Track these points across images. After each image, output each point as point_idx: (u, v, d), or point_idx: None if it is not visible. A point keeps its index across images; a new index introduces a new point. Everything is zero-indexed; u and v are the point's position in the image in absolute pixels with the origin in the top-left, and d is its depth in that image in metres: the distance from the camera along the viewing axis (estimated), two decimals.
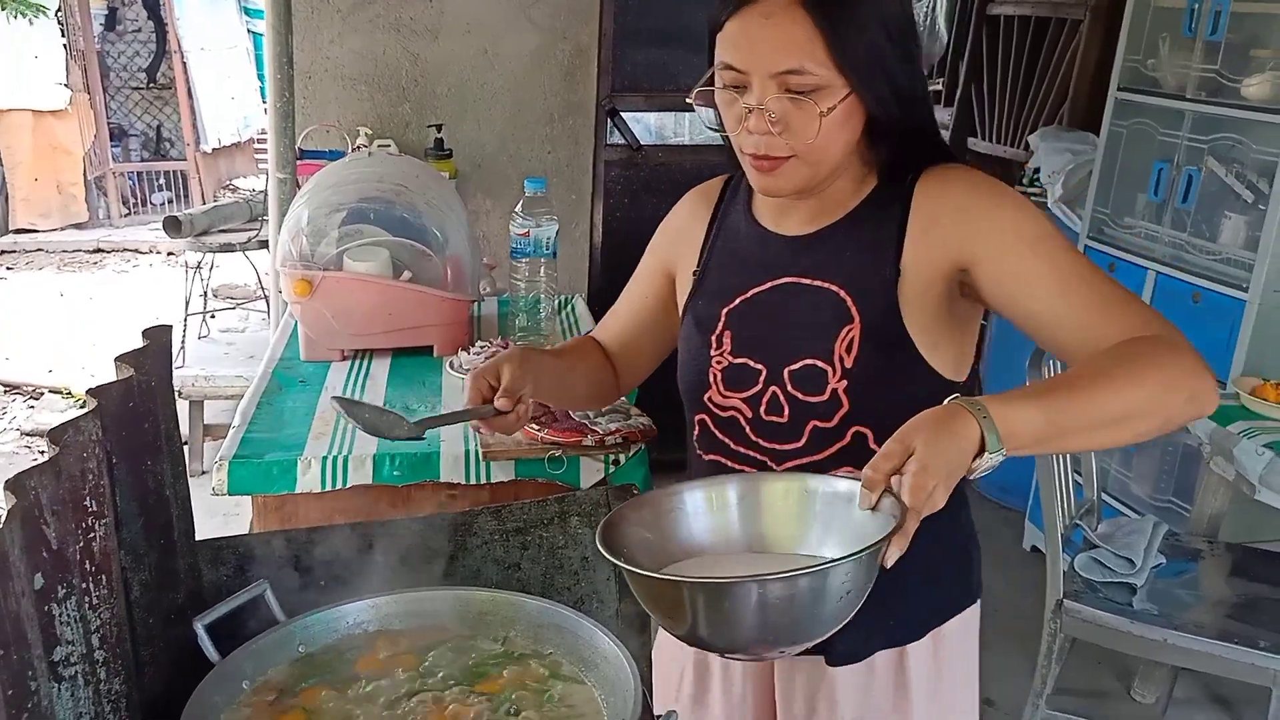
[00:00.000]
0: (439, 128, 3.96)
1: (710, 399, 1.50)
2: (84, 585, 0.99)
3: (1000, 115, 5.07)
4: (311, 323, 2.43)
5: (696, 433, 1.55)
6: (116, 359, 1.13)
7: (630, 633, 1.33)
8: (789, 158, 1.33)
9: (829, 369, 1.39)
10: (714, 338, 1.50)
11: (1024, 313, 1.31)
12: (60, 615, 0.94)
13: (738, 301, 1.49)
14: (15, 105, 9.19)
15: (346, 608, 1.31)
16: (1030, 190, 4.37)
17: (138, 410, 1.14)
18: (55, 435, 0.96)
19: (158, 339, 1.21)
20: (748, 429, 1.48)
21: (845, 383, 1.38)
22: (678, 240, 1.62)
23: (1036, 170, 4.35)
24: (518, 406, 1.39)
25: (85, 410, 1.02)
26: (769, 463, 1.46)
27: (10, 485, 0.87)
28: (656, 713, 1.17)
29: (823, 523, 1.20)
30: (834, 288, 1.41)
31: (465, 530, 1.43)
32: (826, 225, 1.44)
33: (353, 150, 3.26)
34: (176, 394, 4.84)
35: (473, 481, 1.95)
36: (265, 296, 5.34)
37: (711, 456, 1.53)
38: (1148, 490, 3.59)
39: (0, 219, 9.41)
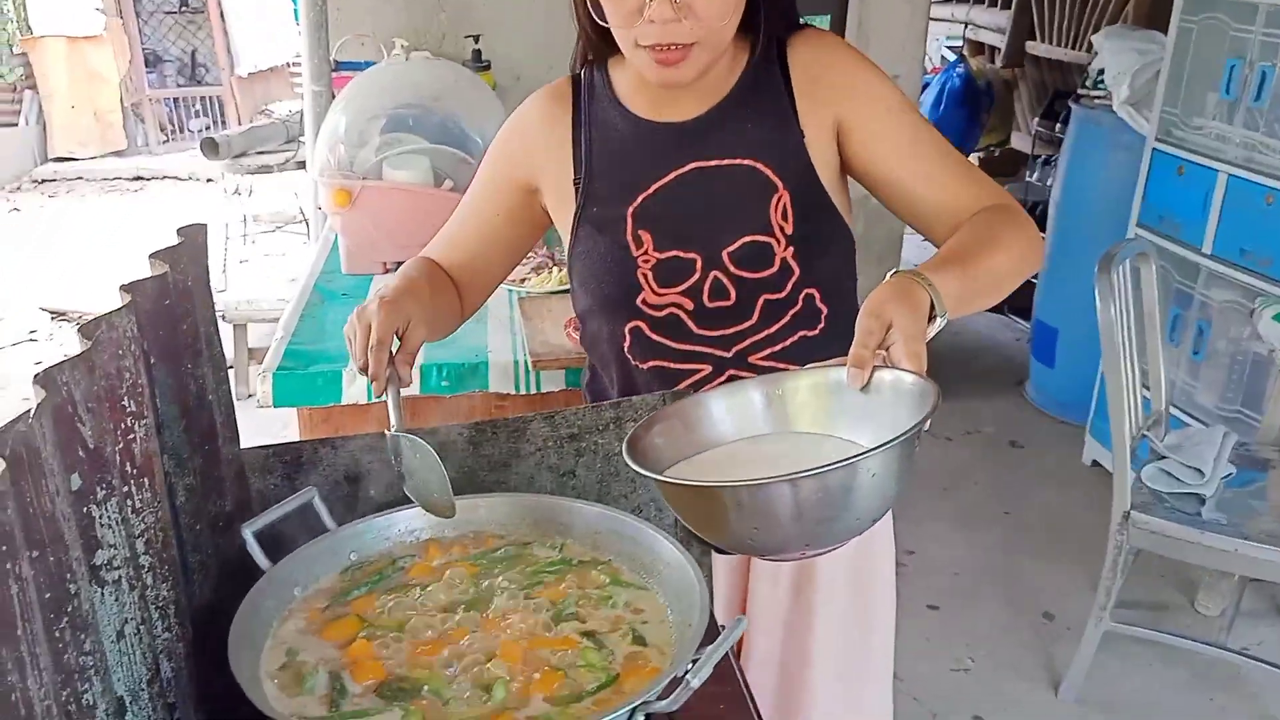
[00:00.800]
0: (476, 39, 3.84)
1: (644, 301, 1.46)
2: (125, 488, 0.95)
3: (1061, 15, 4.85)
4: (352, 234, 2.36)
5: (628, 343, 1.50)
6: (151, 255, 1.07)
7: (692, 539, 1.27)
8: (692, 45, 1.31)
9: (772, 240, 1.40)
10: (629, 239, 1.45)
11: (886, 179, 1.39)
12: (101, 518, 0.89)
13: (640, 200, 1.45)
14: (49, 31, 9.14)
15: (397, 515, 1.26)
16: (1095, 93, 4.18)
17: (174, 310, 1.08)
18: (87, 330, 0.90)
19: (193, 237, 1.15)
20: (690, 322, 1.46)
21: (792, 249, 1.40)
22: (533, 150, 1.53)
23: (1100, 72, 4.16)
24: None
25: (119, 306, 0.96)
26: (716, 352, 1.47)
27: (40, 379, 0.81)
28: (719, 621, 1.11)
29: (851, 415, 1.16)
30: (748, 162, 1.41)
31: (518, 436, 1.37)
32: (714, 105, 1.43)
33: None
34: (220, 317, 4.84)
35: (522, 391, 1.89)
36: (305, 220, 5.30)
37: (653, 363, 1.50)
38: (1215, 400, 3.47)
39: (39, 147, 9.42)
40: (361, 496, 1.35)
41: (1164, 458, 2.73)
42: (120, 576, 0.91)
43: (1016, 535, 3.70)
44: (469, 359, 1.88)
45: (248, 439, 1.28)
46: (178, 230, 1.14)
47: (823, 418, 1.15)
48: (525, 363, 1.89)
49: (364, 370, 1.26)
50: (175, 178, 9.27)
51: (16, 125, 9.29)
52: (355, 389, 1.87)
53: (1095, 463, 4.04)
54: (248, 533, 1.15)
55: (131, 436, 0.95)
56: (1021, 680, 3.00)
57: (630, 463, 1.08)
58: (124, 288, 0.99)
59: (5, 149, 9.09)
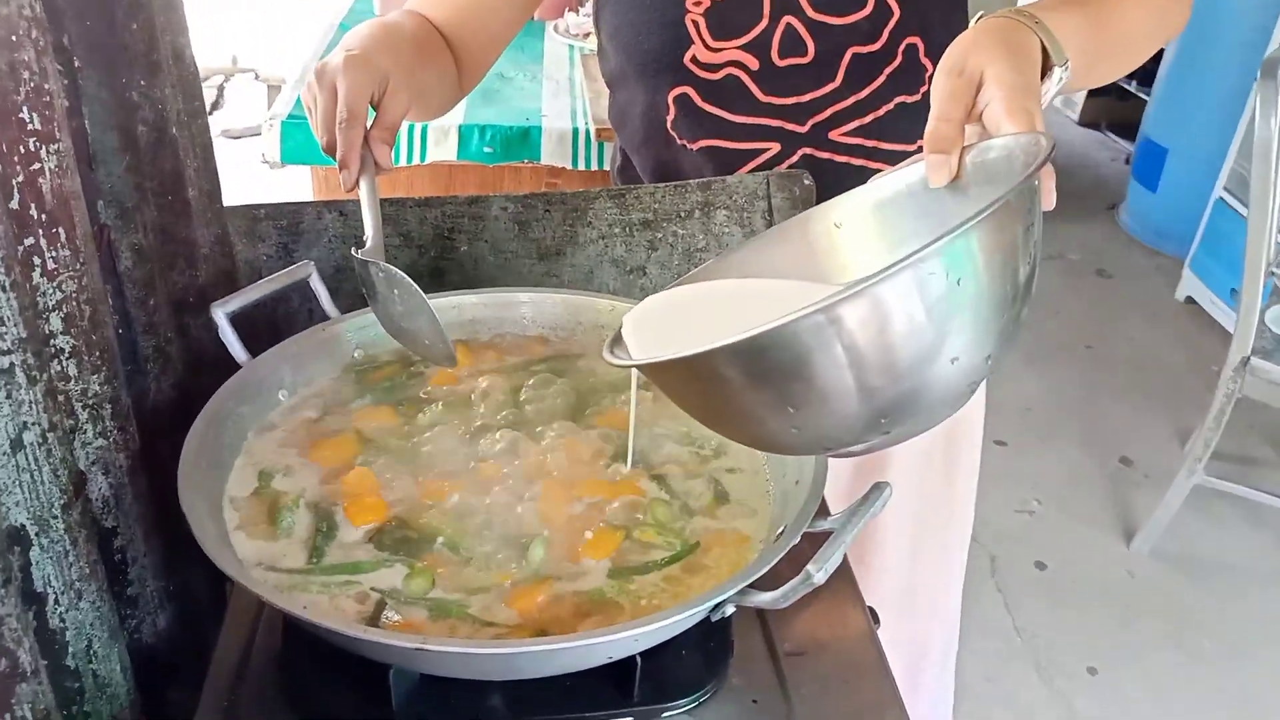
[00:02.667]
0: None
1: (694, 59, 1.12)
2: (28, 240, 0.67)
3: None
4: None
5: (672, 116, 1.16)
6: None
7: None
8: None
9: None
10: None
11: None
12: None
13: None
14: None
15: None
16: None
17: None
18: None
19: None
20: (754, 87, 1.13)
21: None
22: None
23: None
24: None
25: None
26: (788, 126, 1.13)
27: None
28: None
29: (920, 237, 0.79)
30: None
31: (577, 217, 1.07)
32: None
33: None
34: (252, 75, 4.47)
35: (580, 166, 1.58)
36: None
37: (704, 142, 1.16)
38: None
39: None
40: None
41: None
42: (12, 364, 0.64)
43: (1097, 372, 3.41)
44: (519, 122, 1.55)
45: None
46: None
47: (901, 251, 0.79)
48: (587, 131, 1.57)
49: (329, 151, 0.91)
50: None
51: None
52: None
53: (1190, 300, 3.70)
54: (220, 314, 0.88)
55: (36, 167, 0.66)
56: (1091, 528, 2.78)
57: (609, 357, 0.73)
58: None
59: None
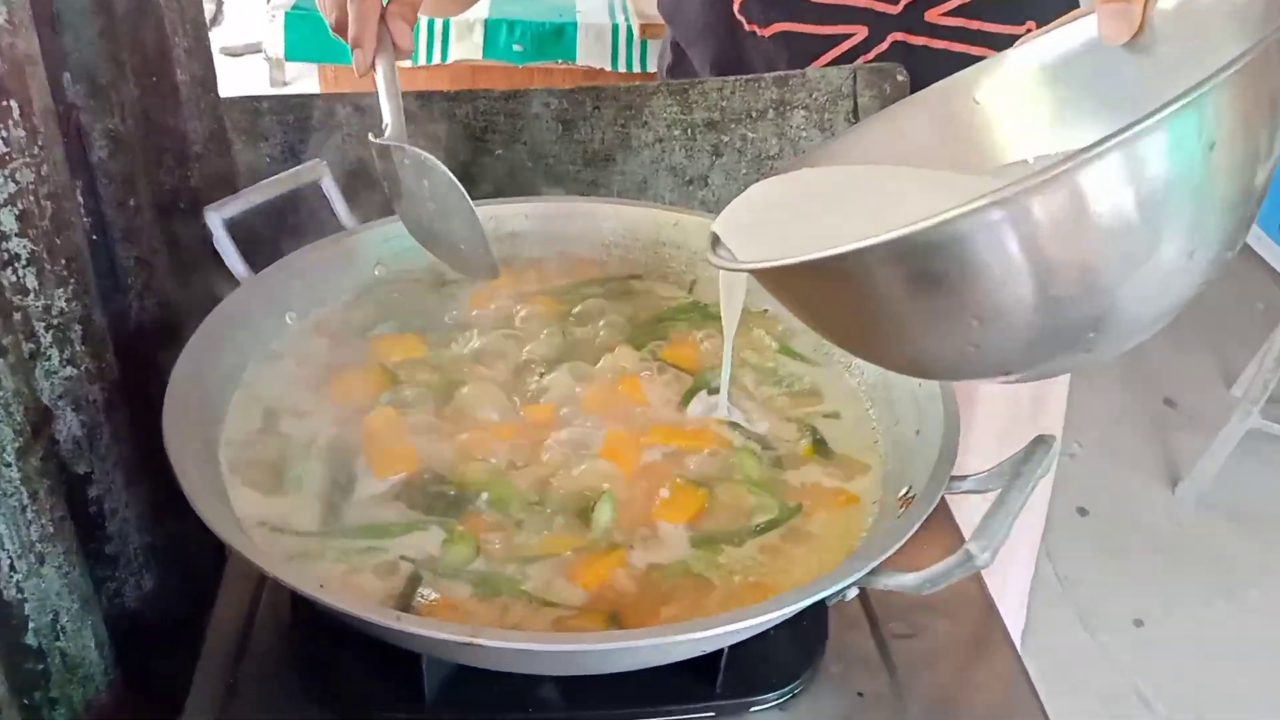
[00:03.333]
0: None
1: None
2: None
3: None
4: None
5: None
6: None
7: None
8: None
9: None
10: None
11: None
12: None
13: None
14: None
15: None
16: None
17: None
18: None
19: None
20: None
21: None
22: None
23: None
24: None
25: None
26: (876, 6, 0.94)
27: None
28: None
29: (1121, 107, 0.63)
30: None
31: (631, 116, 0.92)
32: None
33: None
34: None
35: (620, 68, 1.42)
36: None
37: (779, 27, 0.98)
38: None
39: None
40: None
41: None
42: None
43: None
44: (552, 17, 1.38)
45: None
46: None
47: (1063, 131, 0.62)
48: (629, 27, 1.40)
49: (339, 30, 0.74)
50: None
51: None
52: None
53: None
54: (215, 218, 0.73)
55: None
56: (1134, 473, 2.65)
57: (714, 259, 0.57)
58: None
59: None
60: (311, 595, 0.49)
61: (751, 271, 0.50)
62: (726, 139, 0.93)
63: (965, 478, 0.59)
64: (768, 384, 0.73)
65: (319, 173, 0.80)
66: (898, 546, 0.53)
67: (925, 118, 0.65)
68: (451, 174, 0.65)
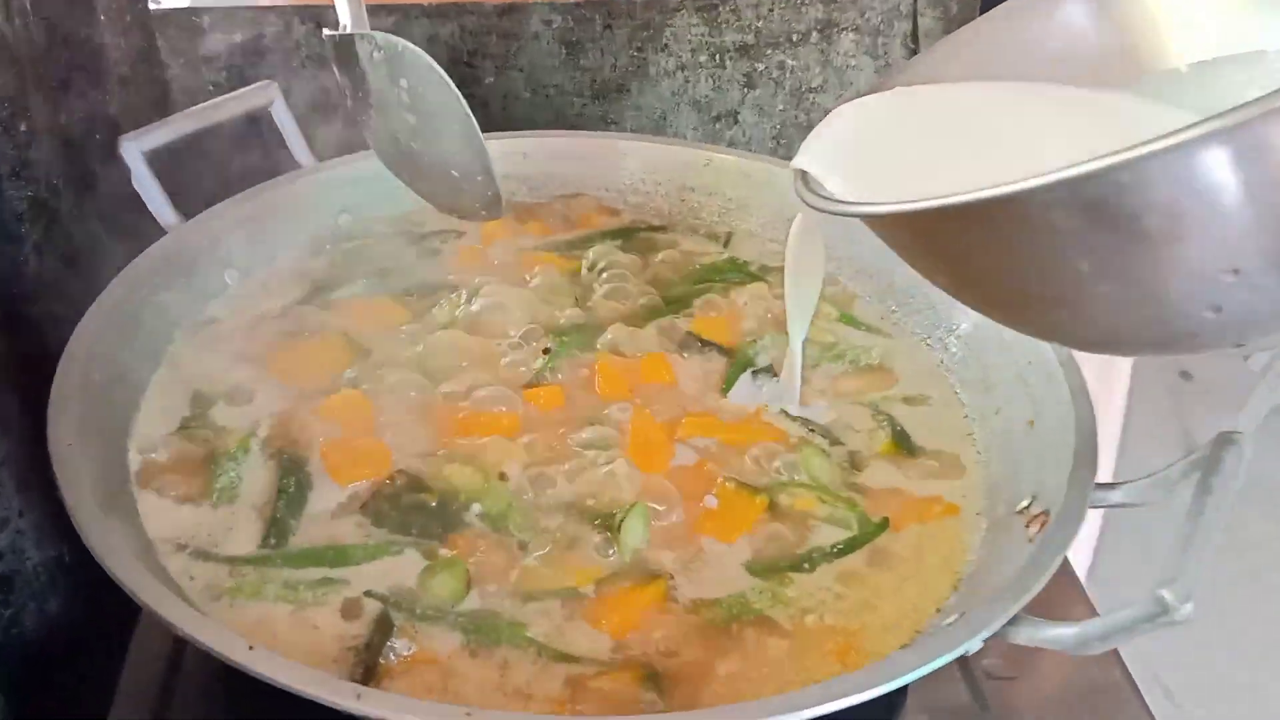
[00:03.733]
0: None
1: None
2: None
3: None
4: None
5: None
6: None
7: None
8: None
9: None
10: None
11: None
12: None
13: None
14: None
15: None
16: None
17: None
18: None
19: None
20: None
21: None
22: None
23: None
24: None
25: None
26: None
27: None
28: None
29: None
30: None
31: (649, 38, 0.77)
32: None
33: None
34: None
35: None
36: None
37: None
38: None
39: None
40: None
41: None
42: None
43: None
44: None
45: None
46: None
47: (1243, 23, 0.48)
48: None
49: None
50: None
51: None
52: None
53: None
54: (134, 149, 0.58)
55: None
56: (1151, 447, 2.53)
57: (809, 198, 0.42)
58: None
59: None
60: (237, 663, 0.35)
61: (882, 215, 0.36)
62: (761, 67, 0.78)
63: (1114, 486, 0.45)
64: (828, 360, 0.58)
65: (269, 96, 0.65)
66: (1041, 585, 0.39)
67: (1035, 27, 0.50)
68: (439, 66, 0.49)
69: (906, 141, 0.42)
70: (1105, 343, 0.40)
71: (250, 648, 0.36)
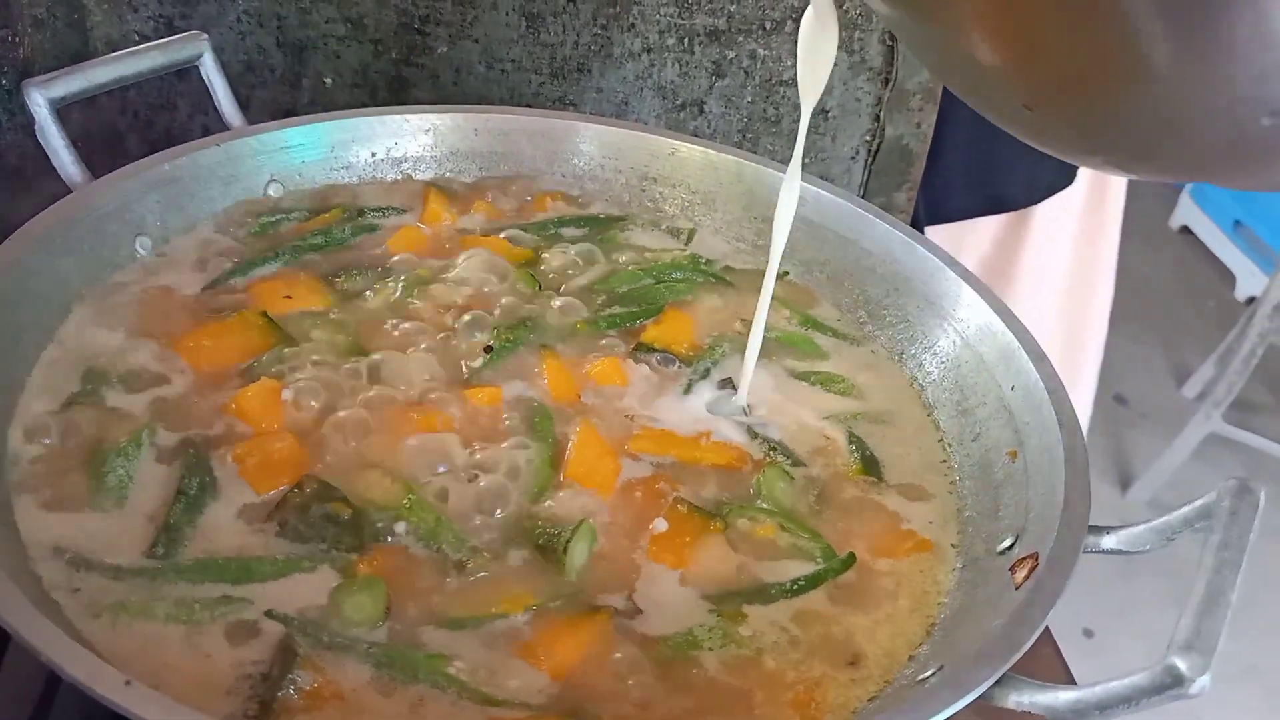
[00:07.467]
0: None
1: None
2: None
3: None
4: None
5: None
6: None
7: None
8: None
9: None
10: None
11: None
12: None
13: None
14: None
15: (372, 119, 0.62)
16: None
17: None
18: None
19: None
20: None
21: None
22: None
23: None
24: None
25: None
26: None
27: None
28: None
29: None
30: None
31: (615, 16, 0.72)
32: None
33: None
34: None
35: None
36: None
37: None
38: None
39: None
40: (308, 75, 0.71)
41: None
42: None
43: None
44: None
45: None
46: None
47: None
48: None
49: None
50: None
51: None
52: None
53: (1185, 229, 3.45)
54: (40, 97, 0.52)
55: None
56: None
57: None
58: None
59: None
60: (112, 701, 0.30)
61: None
62: (731, 55, 0.74)
63: (1108, 530, 0.41)
64: (792, 374, 0.54)
65: (197, 49, 0.58)
66: (1031, 641, 0.35)
67: None
68: None
69: None
70: (1154, 144, 0.32)
71: (127, 682, 0.30)
